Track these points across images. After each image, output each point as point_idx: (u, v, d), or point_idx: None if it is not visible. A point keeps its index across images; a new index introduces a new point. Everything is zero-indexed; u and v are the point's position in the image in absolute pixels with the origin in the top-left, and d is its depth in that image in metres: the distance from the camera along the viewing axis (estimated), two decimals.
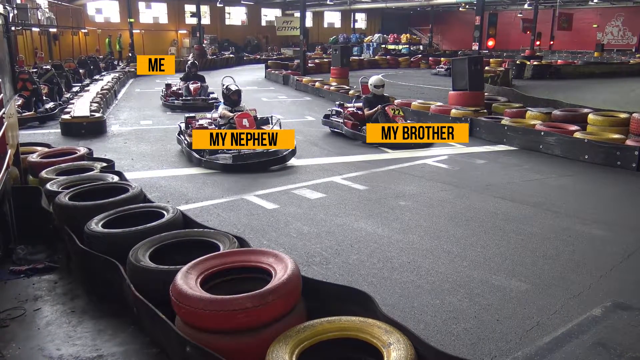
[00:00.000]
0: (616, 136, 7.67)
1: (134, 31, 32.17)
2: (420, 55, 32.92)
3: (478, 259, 4.19)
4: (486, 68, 20.91)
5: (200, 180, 6.48)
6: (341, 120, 9.22)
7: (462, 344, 3.07)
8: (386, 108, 8.75)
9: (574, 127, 8.17)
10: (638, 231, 4.90)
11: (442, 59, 28.83)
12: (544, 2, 37.13)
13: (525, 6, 37.03)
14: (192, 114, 8.34)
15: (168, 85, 13.77)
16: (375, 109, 8.84)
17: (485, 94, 12.32)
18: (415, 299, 3.55)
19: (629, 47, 41.47)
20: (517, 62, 23.58)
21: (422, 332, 3.08)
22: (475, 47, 16.73)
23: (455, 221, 5.11)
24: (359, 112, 9.15)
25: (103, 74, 20.32)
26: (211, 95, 12.93)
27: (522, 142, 8.37)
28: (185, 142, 7.58)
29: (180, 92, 13.12)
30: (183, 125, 8.06)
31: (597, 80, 20.68)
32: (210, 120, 7.91)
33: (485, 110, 10.28)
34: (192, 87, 12.91)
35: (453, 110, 10.03)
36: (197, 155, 7.10)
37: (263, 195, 5.80)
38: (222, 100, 8.12)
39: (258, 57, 34.22)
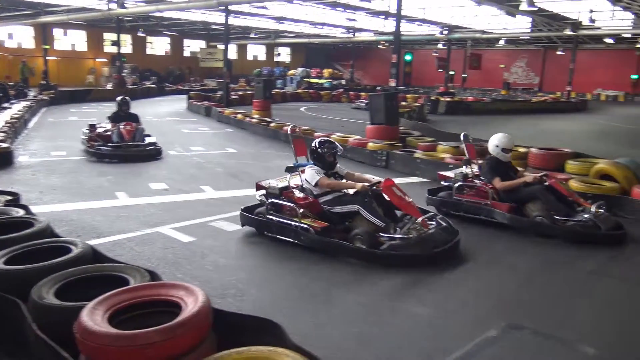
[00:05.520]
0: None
1: (48, 58, 30.94)
2: (341, 90, 33.93)
3: (389, 288, 4.37)
4: (403, 103, 21.97)
5: (113, 213, 6.31)
6: (481, 202, 6.24)
7: None
8: (552, 181, 6.05)
9: (479, 161, 8.72)
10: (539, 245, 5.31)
11: (362, 93, 29.86)
12: (456, 42, 39.61)
13: (439, 46, 39.35)
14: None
15: (92, 126, 10.87)
16: (524, 180, 6.15)
17: (401, 128, 12.94)
18: (328, 328, 3.65)
19: (532, 87, 45.05)
20: (432, 98, 24.94)
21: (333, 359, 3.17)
22: (392, 83, 17.54)
23: None
24: (481, 182, 6.42)
25: (12, 101, 19.31)
26: (147, 140, 10.69)
27: (433, 174, 8.80)
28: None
29: (108, 135, 10.44)
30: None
31: (504, 116, 22.28)
32: (289, 185, 5.63)
33: (400, 144, 10.78)
34: (124, 129, 10.40)
35: (370, 144, 10.44)
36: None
37: (179, 228, 5.74)
38: (310, 161, 5.69)
39: (181, 87, 33.87)
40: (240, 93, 26.13)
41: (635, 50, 39.31)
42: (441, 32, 34.67)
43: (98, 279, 3.32)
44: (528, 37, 37.09)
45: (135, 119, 10.94)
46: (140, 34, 36.77)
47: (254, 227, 5.59)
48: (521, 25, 32.69)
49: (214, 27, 36.41)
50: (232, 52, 44.58)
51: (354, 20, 33.25)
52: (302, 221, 5.10)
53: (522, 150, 9.16)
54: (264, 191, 5.63)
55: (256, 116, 16.30)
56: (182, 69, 41.76)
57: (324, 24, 36.08)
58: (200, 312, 2.63)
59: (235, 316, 3.00)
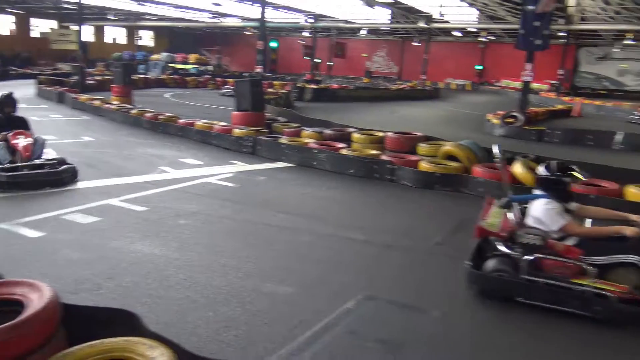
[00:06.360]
0: (374, 152, 8.81)
1: None
2: (208, 76, 33.22)
3: (252, 270, 4.45)
4: (270, 90, 22.16)
5: None
6: None
7: (233, 349, 3.26)
8: None
9: (341, 145, 9.15)
10: (388, 233, 5.71)
11: (229, 79, 29.53)
12: (321, 31, 40.63)
13: (305, 34, 40.13)
14: None
15: None
16: None
17: (267, 114, 13.06)
18: (190, 314, 3.64)
19: (392, 75, 47.80)
20: (299, 85, 25.40)
21: (195, 344, 3.19)
22: (258, 70, 17.59)
23: (233, 236, 5.36)
24: None
25: None
26: (44, 155, 7.15)
27: (298, 159, 9.05)
28: None
29: None
30: None
31: (366, 103, 23.43)
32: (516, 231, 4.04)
33: (266, 130, 10.89)
34: (18, 143, 6.95)
35: (236, 130, 10.41)
36: None
37: (26, 223, 5.29)
38: (539, 190, 4.21)
39: (29, 71, 30.81)
40: (98, 78, 24.49)
41: (478, 44, 43.40)
42: (306, 21, 35.36)
43: None
44: (387, 28, 39.23)
45: (25, 125, 7.48)
46: None
47: (494, 290, 4.03)
48: (381, 16, 34.51)
49: (66, 5, 33.58)
50: (88, 34, 41.48)
51: (219, 4, 32.65)
52: (596, 285, 3.76)
53: (379, 134, 9.77)
54: (491, 237, 4.14)
55: (116, 103, 15.40)
56: (30, 51, 37.99)
57: (187, 8, 34.98)
58: (46, 309, 2.50)
59: (87, 309, 2.89)
